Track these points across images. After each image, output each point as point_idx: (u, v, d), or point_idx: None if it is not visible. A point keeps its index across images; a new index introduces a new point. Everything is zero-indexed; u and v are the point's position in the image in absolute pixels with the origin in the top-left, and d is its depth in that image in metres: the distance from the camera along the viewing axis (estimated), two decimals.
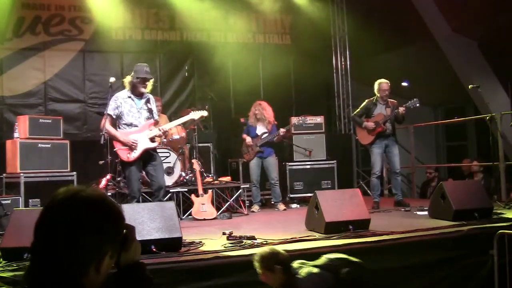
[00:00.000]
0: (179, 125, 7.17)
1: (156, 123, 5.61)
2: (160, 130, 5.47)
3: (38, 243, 1.26)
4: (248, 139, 7.23)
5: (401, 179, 7.32)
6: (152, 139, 5.45)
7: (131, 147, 5.31)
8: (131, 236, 1.44)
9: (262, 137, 7.16)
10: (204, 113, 6.01)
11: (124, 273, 1.43)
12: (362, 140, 7.03)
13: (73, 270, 1.22)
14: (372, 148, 6.83)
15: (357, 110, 7.06)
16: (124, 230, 1.40)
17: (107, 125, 5.40)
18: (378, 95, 6.85)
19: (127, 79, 5.44)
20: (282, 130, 7.13)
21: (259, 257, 3.16)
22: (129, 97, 5.42)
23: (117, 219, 1.34)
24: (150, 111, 5.49)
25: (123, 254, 1.42)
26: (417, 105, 6.64)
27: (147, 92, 5.51)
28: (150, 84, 5.47)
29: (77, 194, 1.28)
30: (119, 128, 5.45)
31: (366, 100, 6.99)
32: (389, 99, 6.88)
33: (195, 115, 5.94)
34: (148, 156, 5.42)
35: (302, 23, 9.83)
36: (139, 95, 5.45)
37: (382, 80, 6.87)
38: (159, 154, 5.77)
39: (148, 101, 5.50)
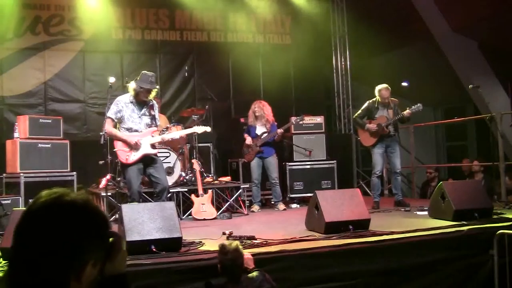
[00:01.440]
0: (178, 125, 7.19)
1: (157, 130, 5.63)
2: (162, 140, 5.50)
3: (17, 248, 1.19)
4: (248, 139, 7.23)
5: (401, 179, 7.33)
6: (153, 146, 5.44)
7: (132, 148, 5.30)
8: (117, 246, 1.36)
9: (262, 137, 7.16)
10: (208, 129, 6.02)
11: (106, 284, 1.34)
12: (364, 141, 7.03)
13: (52, 278, 1.15)
14: (374, 149, 6.84)
15: (359, 112, 7.04)
16: (111, 239, 1.32)
17: (108, 127, 5.40)
18: (379, 99, 6.85)
19: (131, 85, 5.37)
20: (279, 130, 7.13)
21: (220, 246, 3.33)
22: (131, 102, 5.38)
23: (101, 226, 1.26)
24: (152, 117, 5.46)
25: (108, 263, 1.33)
26: (420, 109, 6.68)
27: (150, 99, 5.49)
28: (154, 92, 5.45)
29: (60, 198, 1.21)
30: (120, 131, 5.45)
31: (368, 102, 6.97)
32: (390, 99, 6.87)
33: (199, 129, 5.96)
34: (149, 159, 5.41)
35: (302, 23, 9.82)
36: (142, 102, 5.44)
37: (382, 86, 6.84)
38: (159, 155, 5.76)
39: (151, 107, 5.47)
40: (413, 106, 6.66)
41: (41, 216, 1.19)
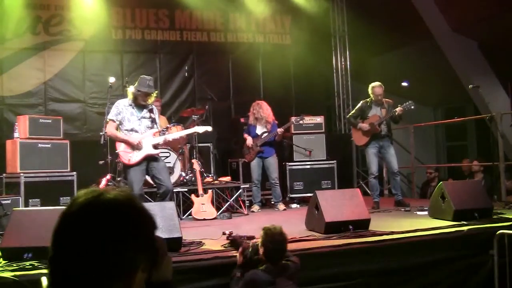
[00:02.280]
0: (178, 125, 7.19)
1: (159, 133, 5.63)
2: (164, 140, 5.50)
3: (57, 256, 1.06)
4: (249, 140, 7.23)
5: (401, 179, 7.32)
6: (155, 146, 5.44)
7: (134, 148, 5.29)
8: (162, 250, 1.26)
9: (262, 137, 7.16)
10: (209, 128, 6.03)
11: None
12: (357, 141, 7.07)
13: (100, 287, 1.04)
14: (367, 149, 6.86)
15: (352, 112, 7.09)
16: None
17: (109, 129, 5.41)
18: (373, 97, 6.86)
19: (130, 90, 5.38)
20: (280, 129, 7.13)
21: (265, 229, 3.40)
22: (130, 105, 5.39)
23: (149, 225, 1.14)
24: (153, 120, 5.47)
25: (154, 270, 1.21)
26: (412, 107, 6.66)
27: (150, 103, 5.47)
28: (153, 97, 5.45)
29: (101, 196, 1.09)
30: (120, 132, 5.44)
31: (361, 102, 7.01)
32: (384, 99, 6.88)
33: (200, 129, 5.97)
34: (151, 160, 5.41)
35: (302, 23, 9.83)
36: (141, 105, 5.43)
37: (376, 83, 6.85)
38: (159, 153, 5.76)
39: (151, 111, 5.48)
40: (404, 103, 6.65)
41: (84, 218, 1.07)
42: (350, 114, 7.16)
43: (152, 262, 1.15)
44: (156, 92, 5.59)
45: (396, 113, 6.62)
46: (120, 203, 1.09)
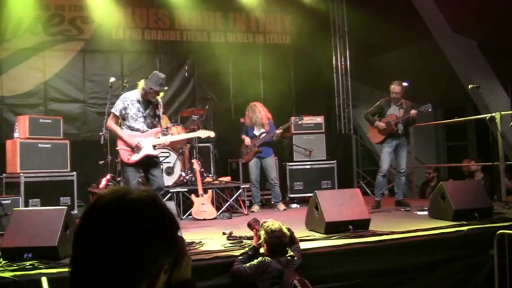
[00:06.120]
0: (179, 125, 7.20)
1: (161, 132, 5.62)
2: (165, 142, 5.48)
3: (80, 255, 1.06)
4: (247, 140, 7.22)
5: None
6: (155, 147, 5.42)
7: (133, 149, 5.28)
8: (182, 250, 1.28)
9: (261, 137, 7.15)
10: (211, 134, 5.98)
11: None
12: (373, 138, 7.10)
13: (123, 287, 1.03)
14: (383, 147, 6.88)
15: (371, 109, 7.08)
16: None
17: (110, 123, 5.36)
18: (391, 96, 6.87)
19: (141, 83, 5.27)
20: (278, 130, 7.12)
21: (264, 226, 3.55)
22: (138, 101, 5.32)
23: (172, 225, 1.13)
24: (157, 117, 5.43)
25: (174, 271, 1.23)
26: (430, 110, 6.68)
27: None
28: (162, 93, 5.40)
29: (125, 196, 1.09)
30: (122, 128, 5.42)
31: (381, 99, 7.03)
32: (404, 100, 6.88)
33: (202, 133, 5.94)
34: (149, 160, 5.39)
35: (302, 23, 9.83)
36: (148, 101, 5.37)
37: (395, 81, 6.88)
38: (159, 154, 5.74)
39: (157, 107, 5.43)
40: (421, 106, 6.64)
41: (107, 216, 1.06)
42: (368, 111, 7.14)
43: (174, 262, 1.16)
44: (166, 88, 5.56)
45: (411, 115, 6.62)
46: (143, 203, 1.09)
